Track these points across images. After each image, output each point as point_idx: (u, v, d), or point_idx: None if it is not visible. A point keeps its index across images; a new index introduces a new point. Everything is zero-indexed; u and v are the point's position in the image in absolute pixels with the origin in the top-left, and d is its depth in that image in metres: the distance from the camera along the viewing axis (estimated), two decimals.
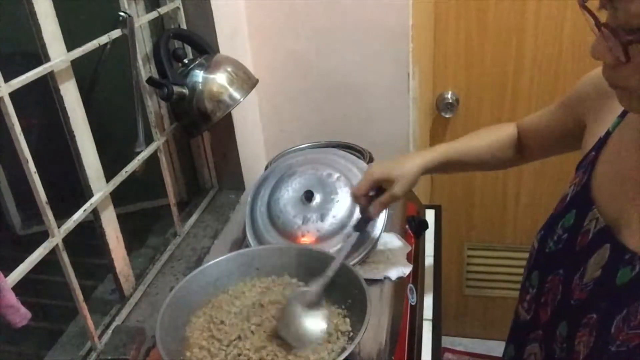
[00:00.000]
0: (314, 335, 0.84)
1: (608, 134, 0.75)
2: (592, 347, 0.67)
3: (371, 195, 0.98)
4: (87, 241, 1.09)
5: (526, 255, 0.88)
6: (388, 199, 0.96)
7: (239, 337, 0.87)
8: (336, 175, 1.16)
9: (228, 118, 1.33)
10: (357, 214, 1.09)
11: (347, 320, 0.89)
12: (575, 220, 0.75)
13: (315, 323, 0.85)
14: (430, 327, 1.17)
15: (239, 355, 0.84)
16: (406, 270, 1.11)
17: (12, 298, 0.68)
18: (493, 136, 1.02)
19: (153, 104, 1.16)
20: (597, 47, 0.58)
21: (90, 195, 0.96)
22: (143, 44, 1.19)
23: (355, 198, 0.98)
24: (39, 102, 1.15)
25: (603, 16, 0.58)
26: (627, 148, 0.71)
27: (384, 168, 0.95)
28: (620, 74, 0.58)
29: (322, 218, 1.11)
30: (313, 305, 0.87)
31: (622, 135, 0.73)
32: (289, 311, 0.86)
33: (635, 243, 0.65)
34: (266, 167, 1.34)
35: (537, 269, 0.82)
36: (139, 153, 1.06)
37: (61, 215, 0.88)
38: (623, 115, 0.74)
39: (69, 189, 0.99)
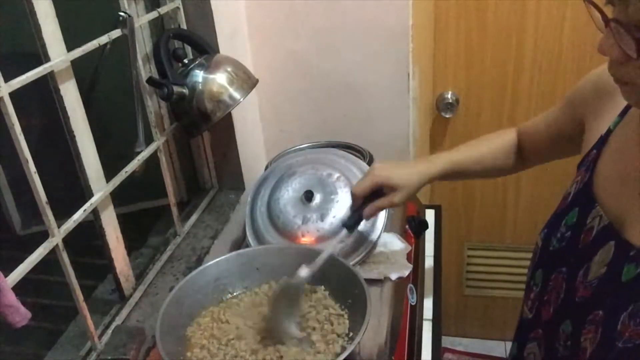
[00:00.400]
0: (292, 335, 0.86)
1: (609, 132, 0.75)
2: (598, 344, 0.67)
3: (368, 196, 0.97)
4: (87, 241, 1.09)
5: (526, 255, 0.88)
6: (386, 205, 0.95)
7: (238, 337, 0.87)
8: (336, 175, 1.16)
9: (228, 118, 1.33)
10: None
11: (347, 320, 0.89)
12: (578, 218, 0.75)
13: (292, 327, 0.87)
14: (430, 327, 1.17)
15: (235, 356, 0.84)
16: (406, 270, 1.11)
17: (12, 298, 0.68)
18: (494, 143, 1.02)
19: (153, 104, 1.16)
20: (605, 43, 0.58)
21: (90, 195, 0.96)
22: (143, 44, 1.19)
23: (354, 196, 0.97)
24: (39, 102, 1.15)
25: (608, 12, 0.58)
26: (629, 145, 0.71)
27: (388, 172, 0.94)
28: (628, 70, 0.58)
29: (322, 218, 1.11)
30: (295, 297, 0.88)
31: (623, 133, 0.73)
32: (274, 308, 0.88)
33: None
34: (266, 167, 1.34)
35: (541, 268, 0.82)
36: (139, 153, 1.06)
37: (61, 215, 0.88)
38: (623, 113, 0.74)
39: (69, 189, 0.99)
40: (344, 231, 0.96)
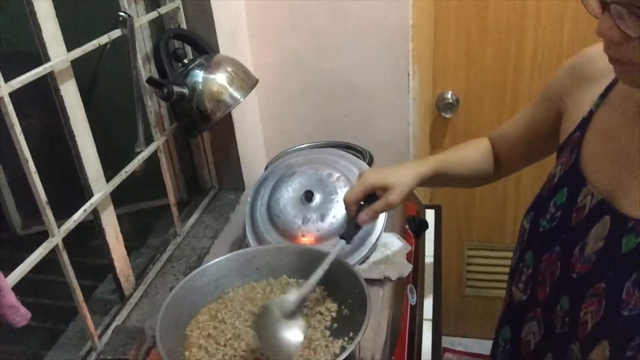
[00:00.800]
0: (289, 347, 0.79)
1: (591, 113, 0.78)
2: (602, 316, 0.69)
3: (362, 203, 0.90)
4: (87, 241, 1.09)
5: None
6: (383, 207, 0.89)
7: (237, 337, 0.87)
8: (336, 175, 1.16)
9: (228, 118, 1.33)
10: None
11: (347, 320, 0.89)
12: (568, 198, 0.77)
13: (291, 334, 0.80)
14: (430, 327, 1.17)
15: (235, 356, 0.84)
16: (406, 270, 1.11)
17: (12, 298, 0.68)
18: (474, 149, 1.02)
19: (153, 104, 1.16)
20: (603, 25, 0.60)
21: (90, 195, 0.96)
22: (143, 44, 1.19)
23: (347, 205, 0.90)
24: (39, 102, 1.15)
25: None
26: (616, 123, 0.74)
27: (379, 175, 0.90)
28: (626, 50, 0.60)
29: (322, 218, 1.11)
30: (291, 314, 0.81)
31: (607, 113, 0.76)
32: (264, 321, 0.81)
33: (638, 211, 0.68)
34: (266, 167, 1.34)
35: (531, 249, 0.84)
36: (139, 153, 1.06)
37: (61, 215, 0.88)
38: (604, 95, 0.77)
39: (69, 189, 0.99)
40: (342, 242, 0.89)
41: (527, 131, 0.95)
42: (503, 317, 0.94)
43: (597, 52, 0.80)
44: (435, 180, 0.96)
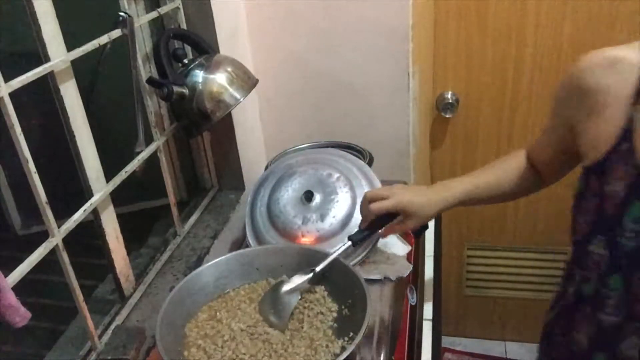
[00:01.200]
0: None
1: (630, 121, 0.76)
2: None
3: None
4: (87, 241, 1.09)
5: (526, 255, 0.88)
6: (400, 230, 1.01)
7: (233, 339, 0.87)
8: (336, 175, 1.16)
9: (228, 118, 1.33)
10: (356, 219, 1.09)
11: (347, 320, 0.89)
12: None
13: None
14: (430, 327, 1.17)
15: (233, 358, 0.84)
16: (406, 270, 1.11)
17: (12, 298, 0.68)
18: (509, 166, 1.03)
19: (153, 104, 1.16)
20: None
21: (90, 195, 0.96)
22: (143, 44, 1.19)
23: (370, 214, 0.98)
24: (39, 102, 1.15)
25: None
26: None
27: (410, 199, 0.97)
28: None
29: (322, 218, 1.11)
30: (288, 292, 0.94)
31: None
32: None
33: None
34: (266, 167, 1.34)
35: (616, 273, 0.81)
36: (139, 153, 1.06)
37: (61, 215, 0.88)
38: (636, 101, 0.75)
39: (69, 189, 0.99)
40: (349, 244, 0.99)
41: (554, 143, 0.94)
42: (593, 345, 0.89)
43: (589, 63, 0.80)
44: (465, 204, 1.01)
